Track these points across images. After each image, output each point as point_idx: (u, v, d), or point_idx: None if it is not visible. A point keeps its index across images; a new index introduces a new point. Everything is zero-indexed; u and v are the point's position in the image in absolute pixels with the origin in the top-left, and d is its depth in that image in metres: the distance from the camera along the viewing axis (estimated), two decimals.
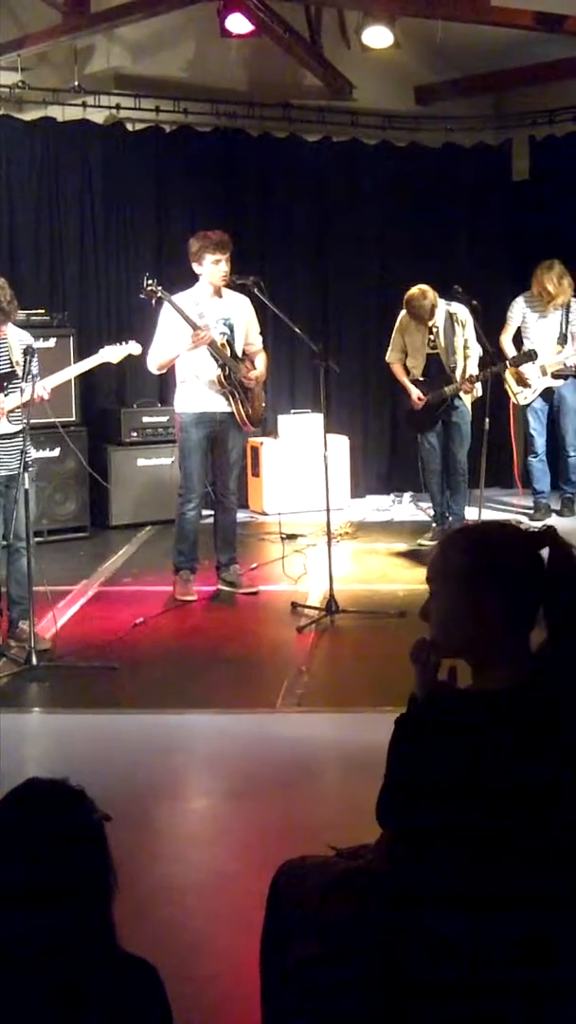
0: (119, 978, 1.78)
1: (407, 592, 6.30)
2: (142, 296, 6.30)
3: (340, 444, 8.80)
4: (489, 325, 7.85)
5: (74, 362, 7.50)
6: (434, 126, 9.75)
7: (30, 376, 5.31)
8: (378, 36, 8.28)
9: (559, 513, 8.36)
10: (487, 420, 7.12)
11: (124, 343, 5.91)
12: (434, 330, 7.45)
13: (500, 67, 9.26)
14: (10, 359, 5.45)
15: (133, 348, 5.94)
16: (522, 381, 8.10)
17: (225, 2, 7.60)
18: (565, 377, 8.09)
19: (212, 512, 6.74)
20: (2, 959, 1.71)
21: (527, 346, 8.02)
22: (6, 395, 5.39)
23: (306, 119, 9.32)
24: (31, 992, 1.70)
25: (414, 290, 7.37)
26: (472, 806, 1.83)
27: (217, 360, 6.30)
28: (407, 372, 7.63)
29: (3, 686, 5.12)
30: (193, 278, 6.39)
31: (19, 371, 5.39)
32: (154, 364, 6.38)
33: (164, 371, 6.58)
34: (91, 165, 8.60)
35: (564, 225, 9.09)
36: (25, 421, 5.37)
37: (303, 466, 8.41)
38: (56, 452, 7.60)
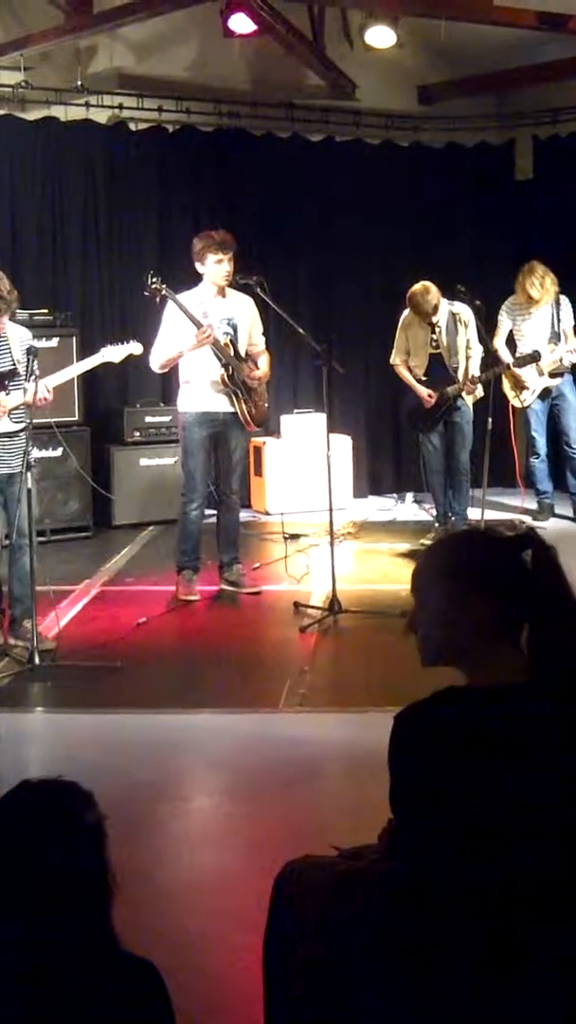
0: (120, 978, 1.78)
1: (410, 592, 6.28)
2: (146, 294, 6.30)
3: (343, 444, 8.80)
4: (491, 325, 7.85)
5: (77, 362, 7.53)
6: (437, 126, 9.75)
7: (33, 377, 5.30)
8: (381, 36, 8.28)
9: (573, 519, 8.30)
10: (490, 420, 7.12)
11: (125, 343, 5.91)
12: (437, 329, 7.45)
13: (503, 67, 9.25)
14: (11, 357, 5.45)
15: (134, 348, 5.94)
16: (518, 385, 8.09)
17: (228, 2, 7.59)
18: (562, 375, 8.08)
19: (215, 512, 6.74)
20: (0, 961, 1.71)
21: (520, 349, 8.02)
22: (7, 393, 5.39)
23: (309, 119, 9.32)
24: (30, 994, 1.70)
25: (418, 286, 7.37)
26: (474, 802, 1.83)
27: (220, 360, 6.29)
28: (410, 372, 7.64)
29: (6, 686, 5.12)
30: (196, 278, 6.39)
31: (20, 369, 5.39)
32: (157, 363, 6.38)
33: (167, 370, 6.58)
34: (94, 165, 8.61)
35: (567, 225, 9.09)
36: (28, 420, 5.37)
37: (306, 466, 8.41)
38: (59, 452, 7.61)
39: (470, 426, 7.59)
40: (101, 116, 8.63)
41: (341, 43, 8.99)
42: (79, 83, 8.38)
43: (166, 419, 8.35)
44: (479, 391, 7.52)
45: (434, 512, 7.98)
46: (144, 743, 4.58)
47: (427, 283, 7.36)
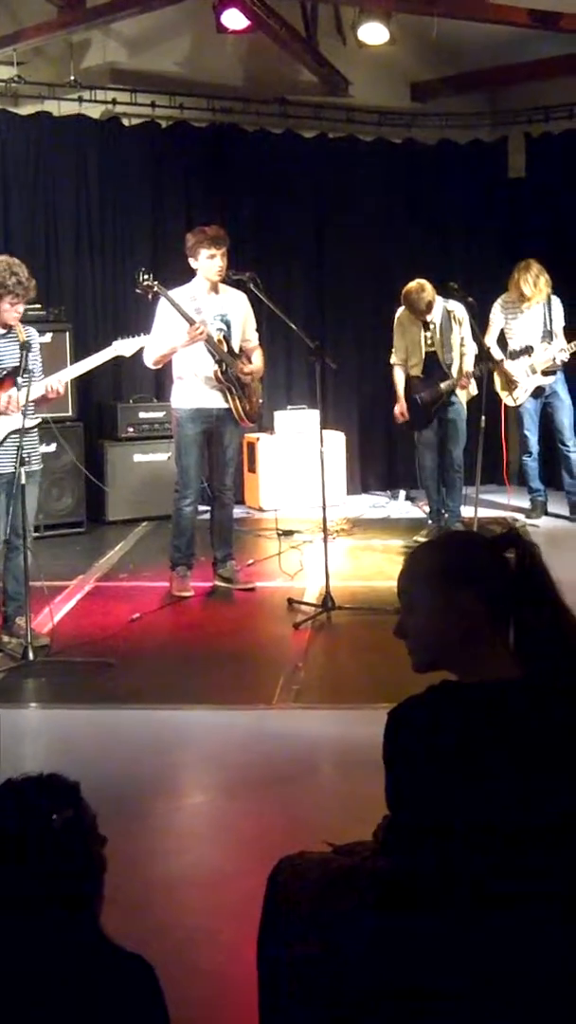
0: (112, 974, 1.77)
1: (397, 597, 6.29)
2: (138, 291, 6.30)
3: (336, 440, 8.81)
4: (485, 322, 7.85)
5: (71, 357, 7.52)
6: (430, 123, 9.76)
7: (26, 372, 5.28)
8: (374, 32, 8.27)
9: (569, 518, 8.28)
10: (483, 418, 7.13)
11: (135, 336, 5.88)
12: (431, 327, 7.45)
13: (496, 64, 9.26)
14: (20, 353, 5.42)
15: (145, 341, 5.93)
16: (509, 383, 8.10)
17: None
18: (554, 373, 8.09)
19: (208, 508, 6.74)
20: None
21: (511, 347, 8.04)
22: (19, 389, 5.34)
23: (302, 115, 9.32)
24: (24, 993, 1.71)
25: (412, 284, 7.39)
26: (468, 798, 1.84)
27: (214, 356, 6.29)
28: (408, 372, 7.64)
29: None
30: (190, 273, 6.39)
31: (32, 366, 5.37)
32: (150, 359, 6.37)
33: (160, 366, 6.58)
34: (87, 160, 8.60)
35: (560, 222, 9.10)
36: (37, 417, 5.38)
37: (299, 462, 8.42)
38: (52, 447, 7.59)
39: (464, 423, 7.61)
40: (94, 111, 8.62)
41: (334, 39, 8.99)
42: (72, 78, 8.37)
43: (160, 415, 8.35)
44: (473, 388, 7.54)
45: (427, 509, 7.99)
46: (138, 739, 4.58)
47: (422, 281, 7.37)
